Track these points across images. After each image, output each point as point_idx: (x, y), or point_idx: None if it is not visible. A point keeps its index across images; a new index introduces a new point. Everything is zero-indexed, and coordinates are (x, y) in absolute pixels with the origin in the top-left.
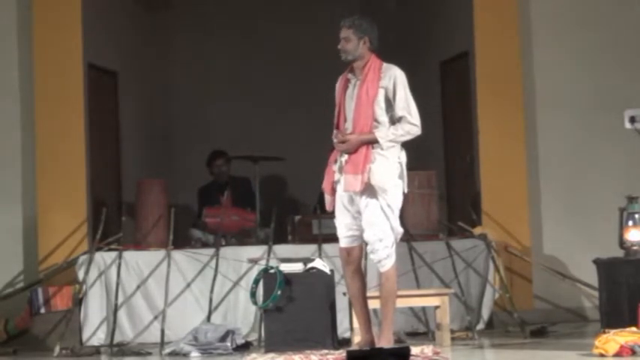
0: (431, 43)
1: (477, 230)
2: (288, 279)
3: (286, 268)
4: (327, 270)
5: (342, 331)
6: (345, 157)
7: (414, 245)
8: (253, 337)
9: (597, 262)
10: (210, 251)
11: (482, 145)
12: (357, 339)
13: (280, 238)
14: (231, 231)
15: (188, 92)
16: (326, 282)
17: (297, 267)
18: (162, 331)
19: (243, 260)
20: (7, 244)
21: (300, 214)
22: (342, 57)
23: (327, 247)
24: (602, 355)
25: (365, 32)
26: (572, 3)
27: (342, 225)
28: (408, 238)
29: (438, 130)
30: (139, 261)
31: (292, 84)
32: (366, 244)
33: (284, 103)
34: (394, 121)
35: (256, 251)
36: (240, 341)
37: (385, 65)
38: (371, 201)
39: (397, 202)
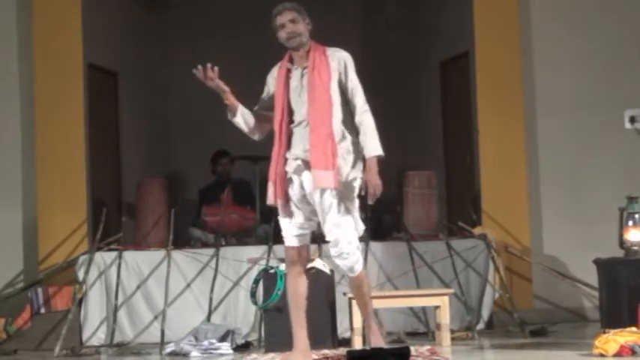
0: (431, 43)
1: (477, 230)
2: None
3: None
4: (327, 270)
5: (342, 331)
6: (302, 154)
7: (414, 245)
8: (253, 337)
9: (597, 262)
10: (210, 251)
11: (482, 145)
12: (357, 339)
13: (280, 238)
14: (231, 230)
15: (188, 92)
16: (326, 282)
17: None
18: (162, 331)
19: (243, 260)
20: (7, 244)
21: None
22: (293, 43)
23: (327, 247)
24: (602, 355)
25: (306, 15)
26: (573, 3)
27: (293, 224)
28: (408, 238)
29: (438, 130)
30: (138, 261)
31: None
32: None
33: None
34: (347, 106)
35: (256, 251)
36: (240, 341)
37: (330, 48)
38: (335, 200)
39: (357, 199)
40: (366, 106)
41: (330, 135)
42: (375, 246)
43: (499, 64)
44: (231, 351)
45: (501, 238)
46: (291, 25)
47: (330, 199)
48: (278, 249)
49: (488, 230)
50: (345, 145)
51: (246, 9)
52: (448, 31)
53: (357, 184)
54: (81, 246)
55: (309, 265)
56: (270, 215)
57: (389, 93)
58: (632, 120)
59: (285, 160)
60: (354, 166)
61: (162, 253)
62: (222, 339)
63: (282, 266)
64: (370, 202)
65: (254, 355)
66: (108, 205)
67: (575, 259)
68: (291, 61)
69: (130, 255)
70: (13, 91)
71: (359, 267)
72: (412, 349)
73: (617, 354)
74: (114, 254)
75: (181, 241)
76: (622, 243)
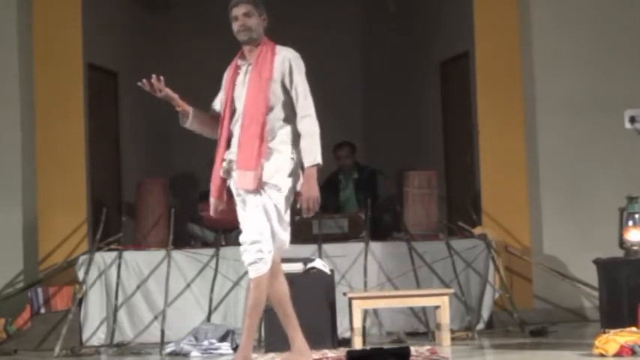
0: (431, 43)
1: (477, 230)
2: (288, 279)
3: (286, 268)
4: (327, 270)
5: (342, 331)
6: (233, 154)
7: (414, 245)
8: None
9: (597, 262)
10: (210, 251)
11: (482, 145)
12: (357, 339)
13: None
14: (229, 224)
15: (188, 92)
16: (326, 282)
17: (297, 267)
18: (162, 331)
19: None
20: (7, 244)
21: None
22: (242, 37)
23: (327, 247)
24: (602, 355)
25: (263, 10)
26: (573, 3)
27: None
28: (408, 238)
29: (438, 130)
30: (138, 261)
31: None
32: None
33: None
34: (288, 108)
35: None
36: (240, 341)
37: (280, 47)
38: (255, 198)
39: (285, 204)
40: (309, 111)
41: (259, 135)
42: (375, 246)
43: (499, 64)
44: (231, 351)
45: (501, 238)
46: (244, 18)
47: (251, 196)
48: None
49: (488, 230)
50: (285, 149)
51: None
52: (448, 31)
53: (287, 192)
54: (81, 246)
55: (309, 265)
56: None
57: (389, 93)
58: (632, 120)
59: (223, 160)
60: (290, 174)
61: (162, 253)
62: (222, 339)
63: (282, 266)
64: (305, 215)
65: (254, 355)
66: (108, 205)
67: (575, 259)
68: (243, 57)
69: (130, 255)
70: (13, 91)
71: (259, 268)
72: (412, 349)
73: (617, 354)
74: (114, 254)
75: (180, 239)
76: (622, 243)
